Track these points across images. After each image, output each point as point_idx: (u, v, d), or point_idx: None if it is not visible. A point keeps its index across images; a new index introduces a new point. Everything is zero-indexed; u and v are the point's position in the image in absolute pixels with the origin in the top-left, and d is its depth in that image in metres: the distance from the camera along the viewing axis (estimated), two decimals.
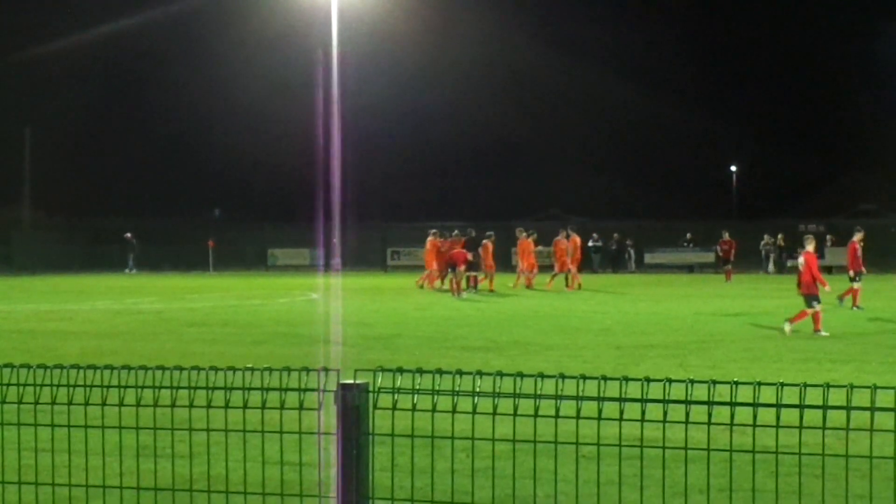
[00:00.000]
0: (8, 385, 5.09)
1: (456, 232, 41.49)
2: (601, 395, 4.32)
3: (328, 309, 29.11)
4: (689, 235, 60.54)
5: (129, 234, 64.43)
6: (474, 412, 4.48)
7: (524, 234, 41.74)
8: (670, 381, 4.28)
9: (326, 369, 4.67)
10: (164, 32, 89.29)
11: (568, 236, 41.75)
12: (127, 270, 62.10)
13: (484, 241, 40.65)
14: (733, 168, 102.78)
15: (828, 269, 55.34)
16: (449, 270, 35.78)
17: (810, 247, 22.89)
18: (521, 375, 4.43)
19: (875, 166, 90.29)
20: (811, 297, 21.67)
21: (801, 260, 22.59)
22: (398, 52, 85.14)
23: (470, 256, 36.08)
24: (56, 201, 75.20)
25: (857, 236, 30.25)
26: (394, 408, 4.52)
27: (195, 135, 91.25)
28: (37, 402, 5.04)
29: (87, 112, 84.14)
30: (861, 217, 73.78)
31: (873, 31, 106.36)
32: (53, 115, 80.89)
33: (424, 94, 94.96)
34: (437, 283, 39.84)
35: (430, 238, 40.83)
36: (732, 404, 4.20)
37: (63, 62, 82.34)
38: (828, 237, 57.01)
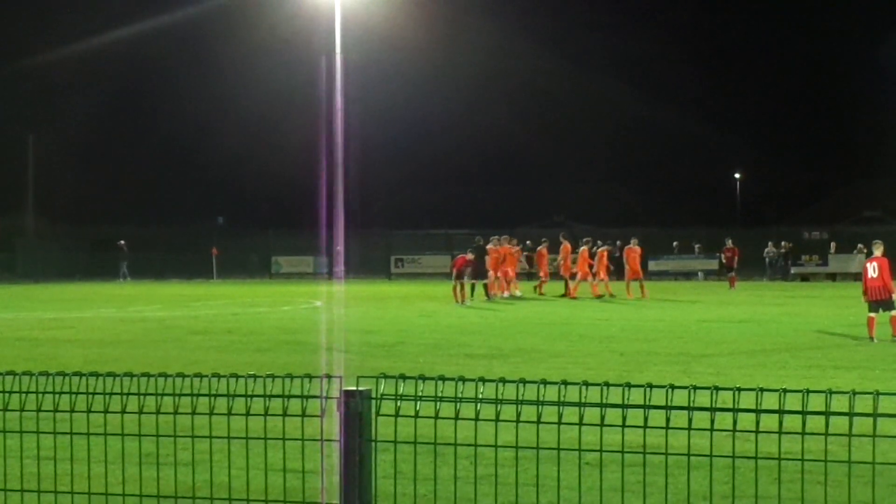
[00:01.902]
0: (10, 392, 5.09)
1: (500, 236, 40.98)
2: (604, 401, 4.32)
3: (332, 317, 29.11)
4: (675, 244, 60.70)
5: (121, 242, 64.37)
6: (477, 419, 4.47)
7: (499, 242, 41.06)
8: (673, 387, 4.28)
9: (329, 376, 4.67)
10: (168, 40, 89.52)
11: (559, 244, 41.69)
12: (121, 279, 61.91)
13: (540, 248, 42.49)
14: (737, 175, 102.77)
15: (832, 277, 55.54)
16: (454, 278, 35.63)
17: (879, 251, 21.85)
18: (524, 382, 4.43)
19: (879, 174, 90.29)
20: (886, 303, 20.82)
21: (874, 265, 21.05)
22: (402, 60, 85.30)
23: (470, 256, 35.96)
24: (59, 209, 75.32)
25: None
26: (396, 414, 4.52)
27: (199, 143, 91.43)
28: (39, 410, 5.04)
29: (91, 120, 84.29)
30: (865, 224, 73.82)
31: (878, 40, 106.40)
32: (57, 122, 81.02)
33: (429, 101, 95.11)
34: (513, 289, 39.55)
35: (488, 245, 40.06)
36: (735, 410, 4.20)
37: (67, 70, 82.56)
38: (831, 244, 57.04)
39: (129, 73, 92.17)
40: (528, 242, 56.73)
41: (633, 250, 39.78)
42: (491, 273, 38.50)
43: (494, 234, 41.37)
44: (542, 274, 42.18)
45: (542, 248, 43.15)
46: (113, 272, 63.28)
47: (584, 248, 39.94)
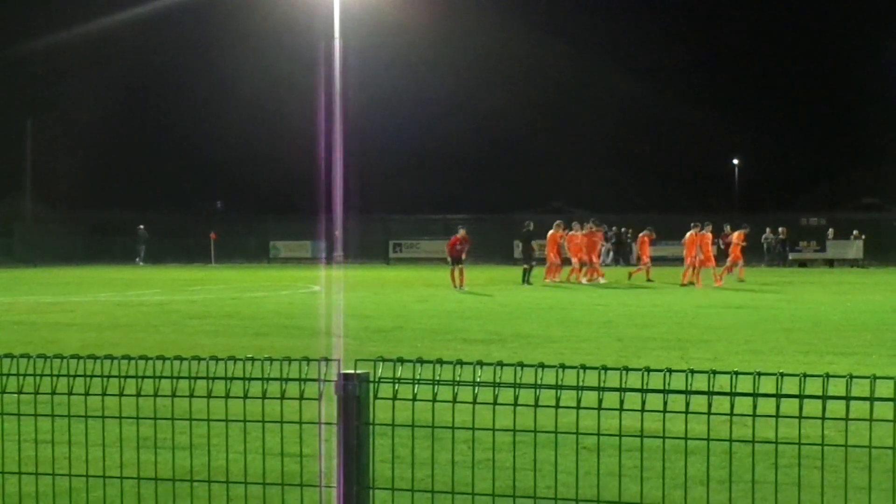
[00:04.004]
0: (8, 375, 5.09)
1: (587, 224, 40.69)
2: (601, 385, 4.32)
3: (330, 301, 29.12)
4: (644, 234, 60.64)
5: (141, 227, 65.08)
6: (475, 402, 4.47)
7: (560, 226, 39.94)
8: (670, 371, 4.28)
9: (327, 359, 4.67)
10: (167, 25, 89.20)
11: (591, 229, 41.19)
12: (138, 261, 62.93)
13: (641, 235, 42.00)
14: (736, 161, 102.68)
15: (829, 263, 55.61)
16: (452, 263, 35.54)
17: None
18: (522, 366, 4.43)
19: (878, 161, 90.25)
20: None
21: None
22: (401, 44, 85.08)
23: (462, 233, 35.94)
24: (58, 193, 75.24)
25: None
26: (394, 397, 4.52)
27: (197, 127, 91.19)
28: (37, 392, 5.04)
29: (90, 104, 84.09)
30: (863, 211, 73.85)
31: (877, 25, 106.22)
32: (56, 107, 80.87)
33: (427, 86, 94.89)
34: (575, 275, 39.10)
35: (551, 231, 39.70)
36: (732, 394, 4.20)
37: (65, 54, 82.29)
38: (829, 231, 57.11)
39: (127, 58, 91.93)
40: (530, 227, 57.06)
41: (705, 236, 37.60)
42: (575, 259, 38.34)
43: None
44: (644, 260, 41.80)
45: (644, 236, 42.77)
46: (110, 256, 63.50)
47: (740, 232, 40.13)
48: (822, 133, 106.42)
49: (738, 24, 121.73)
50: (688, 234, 37.77)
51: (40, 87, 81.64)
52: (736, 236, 41.07)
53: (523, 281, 37.73)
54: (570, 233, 39.53)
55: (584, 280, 38.65)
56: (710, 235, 38.04)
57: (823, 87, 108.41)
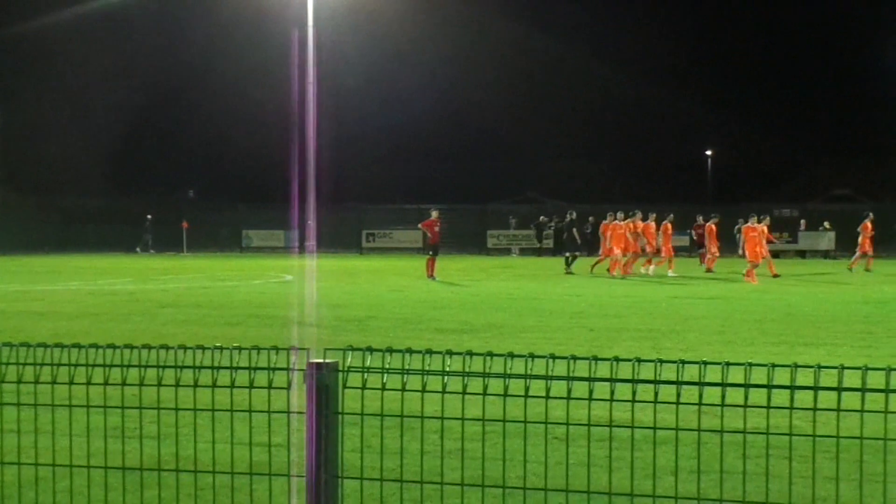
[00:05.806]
0: None
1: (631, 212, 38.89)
2: (571, 374, 4.32)
3: (302, 291, 29.05)
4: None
5: (149, 217, 65.09)
6: (444, 392, 4.46)
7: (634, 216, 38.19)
8: (640, 360, 4.28)
9: (297, 348, 4.65)
10: (138, 13, 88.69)
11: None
12: (139, 249, 62.85)
13: (708, 224, 40.68)
14: (709, 152, 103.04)
15: (801, 254, 55.88)
16: (433, 252, 35.38)
17: None
18: (492, 355, 4.42)
19: (849, 152, 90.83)
20: None
21: None
22: (375, 33, 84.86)
23: (435, 214, 35.94)
24: (28, 181, 74.71)
25: None
26: (363, 387, 4.51)
27: (169, 115, 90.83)
28: (2, 381, 5.00)
29: (59, 91, 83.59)
30: (835, 202, 74.29)
31: (852, 19, 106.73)
32: (24, 93, 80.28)
33: (402, 75, 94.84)
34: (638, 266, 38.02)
35: (614, 222, 38.69)
36: (701, 384, 4.20)
37: (34, 41, 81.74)
38: (801, 222, 57.38)
39: (98, 46, 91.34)
40: (542, 218, 57.90)
41: (753, 229, 34.79)
42: (617, 250, 36.70)
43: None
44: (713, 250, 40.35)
45: (711, 225, 40.78)
46: (81, 245, 63.26)
47: (866, 222, 39.79)
48: (795, 125, 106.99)
49: (711, 17, 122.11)
50: (744, 227, 36.15)
51: (9, 74, 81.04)
52: (864, 227, 40.45)
53: (567, 269, 37.78)
54: (613, 223, 37.80)
55: (644, 270, 37.87)
56: (759, 227, 35.09)
57: (796, 79, 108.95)
